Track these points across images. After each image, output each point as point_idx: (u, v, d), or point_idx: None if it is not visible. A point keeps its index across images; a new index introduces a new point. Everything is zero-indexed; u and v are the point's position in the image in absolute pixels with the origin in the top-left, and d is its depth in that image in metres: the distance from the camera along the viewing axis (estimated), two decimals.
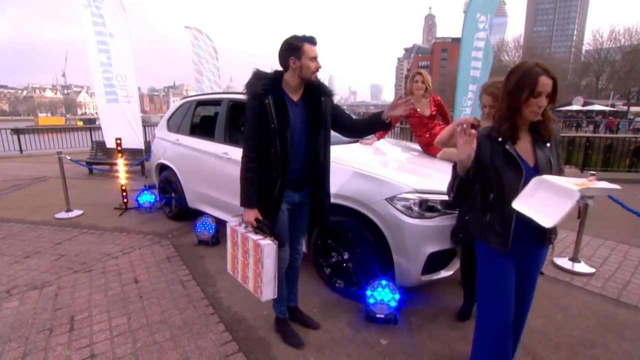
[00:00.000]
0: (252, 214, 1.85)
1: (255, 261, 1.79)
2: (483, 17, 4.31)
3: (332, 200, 2.19)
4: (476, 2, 4.30)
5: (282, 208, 1.95)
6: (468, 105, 4.55)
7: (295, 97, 1.90)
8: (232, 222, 1.96)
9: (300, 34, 1.83)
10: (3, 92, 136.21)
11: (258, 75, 1.87)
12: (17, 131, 10.82)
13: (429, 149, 3.22)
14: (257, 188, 1.86)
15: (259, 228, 1.84)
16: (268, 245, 1.73)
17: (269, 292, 1.81)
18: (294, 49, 1.79)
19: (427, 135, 3.25)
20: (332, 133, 2.06)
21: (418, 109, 3.25)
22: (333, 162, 2.10)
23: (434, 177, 2.71)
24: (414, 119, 3.29)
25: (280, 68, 1.90)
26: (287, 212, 2.00)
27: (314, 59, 1.81)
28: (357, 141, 3.50)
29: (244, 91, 1.87)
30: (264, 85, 1.80)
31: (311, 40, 1.81)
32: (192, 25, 8.47)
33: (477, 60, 4.42)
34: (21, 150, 10.45)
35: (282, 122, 1.82)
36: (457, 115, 4.67)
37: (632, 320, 2.43)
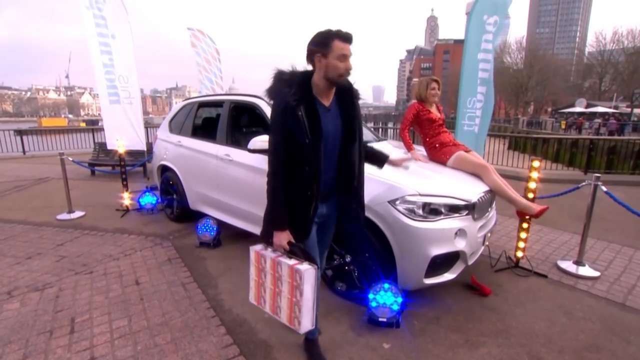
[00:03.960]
0: (284, 237, 1.62)
1: (290, 289, 1.57)
2: (491, 19, 4.29)
3: None
4: (482, 4, 4.29)
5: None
6: (477, 107, 4.50)
7: (326, 102, 1.67)
8: (256, 246, 1.75)
9: (334, 28, 1.57)
10: (7, 94, 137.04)
11: (284, 80, 1.60)
12: (20, 132, 10.88)
13: (436, 155, 3.18)
14: (287, 207, 1.63)
15: (291, 252, 1.62)
16: (308, 270, 1.51)
17: (307, 322, 1.58)
18: (321, 44, 1.55)
19: (433, 139, 3.24)
20: None
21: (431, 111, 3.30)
22: None
23: (438, 180, 2.70)
24: (425, 121, 3.26)
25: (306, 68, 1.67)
26: (315, 225, 1.79)
27: (344, 57, 1.55)
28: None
29: (268, 99, 1.64)
30: (295, 95, 1.55)
31: (344, 37, 1.55)
32: (194, 27, 8.49)
33: (485, 62, 4.39)
34: (24, 152, 10.49)
35: (315, 135, 1.58)
36: (461, 116, 4.65)
37: (638, 325, 2.40)
